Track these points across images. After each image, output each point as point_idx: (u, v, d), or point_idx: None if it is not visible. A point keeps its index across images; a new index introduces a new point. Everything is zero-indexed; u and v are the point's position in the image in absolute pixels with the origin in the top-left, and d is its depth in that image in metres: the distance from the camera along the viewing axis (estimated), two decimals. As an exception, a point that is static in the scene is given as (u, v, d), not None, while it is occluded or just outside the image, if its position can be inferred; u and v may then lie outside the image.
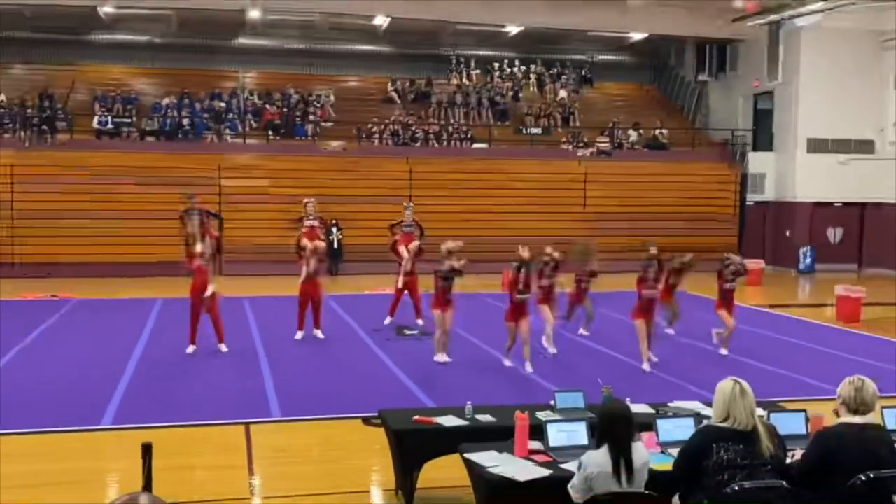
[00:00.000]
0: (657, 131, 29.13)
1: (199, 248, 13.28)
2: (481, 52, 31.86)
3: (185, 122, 26.66)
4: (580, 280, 14.47)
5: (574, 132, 29.02)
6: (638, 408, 6.88)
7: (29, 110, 25.88)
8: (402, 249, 15.79)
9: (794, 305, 18.79)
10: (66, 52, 29.27)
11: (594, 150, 27.89)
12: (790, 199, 27.44)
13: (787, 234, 27.39)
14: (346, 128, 27.54)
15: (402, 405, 8.68)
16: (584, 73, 32.65)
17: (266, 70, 30.60)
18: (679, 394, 9.44)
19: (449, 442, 6.53)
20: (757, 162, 28.37)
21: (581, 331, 14.72)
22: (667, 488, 5.05)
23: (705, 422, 5.38)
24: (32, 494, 7.24)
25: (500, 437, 6.26)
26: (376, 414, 7.79)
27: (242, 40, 30.27)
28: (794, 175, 27.23)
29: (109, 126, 26.05)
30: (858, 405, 4.94)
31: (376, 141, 27.35)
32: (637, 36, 30.86)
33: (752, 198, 28.23)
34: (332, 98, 29.05)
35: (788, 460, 5.14)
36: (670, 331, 14.57)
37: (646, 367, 12.12)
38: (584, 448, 5.49)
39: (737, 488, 4.62)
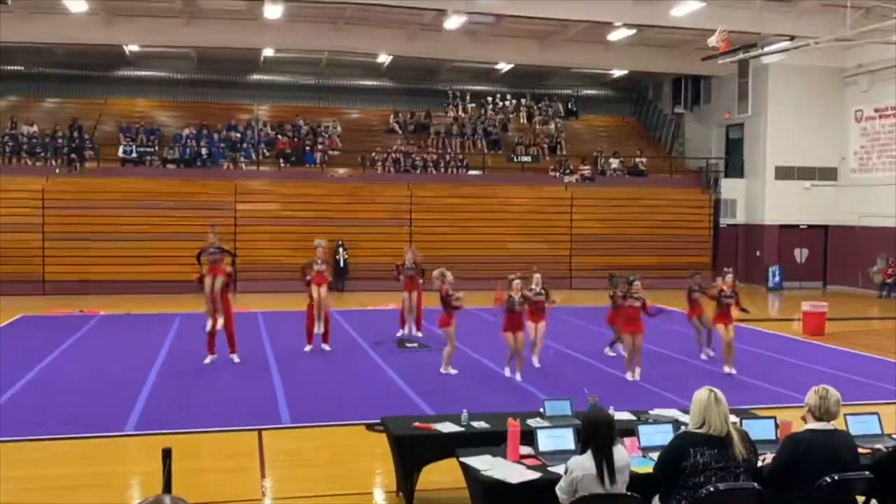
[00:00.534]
0: (637, 159, 29.20)
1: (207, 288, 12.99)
2: (475, 87, 32.00)
3: (204, 151, 26.68)
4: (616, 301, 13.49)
5: (561, 160, 29.08)
6: (621, 415, 6.88)
7: (59, 140, 25.92)
8: (404, 296, 15.55)
9: (765, 320, 18.79)
10: (94, 87, 29.39)
11: (579, 177, 27.95)
12: (760, 222, 27.49)
13: (758, 254, 27.42)
14: (352, 156, 27.59)
15: (402, 413, 8.66)
16: (569, 105, 32.77)
17: (278, 103, 30.70)
18: (659, 402, 9.45)
19: (446, 447, 6.52)
20: (729, 188, 28.44)
21: (607, 350, 14.09)
22: (647, 490, 5.05)
23: (683, 428, 5.38)
24: (63, 496, 7.22)
25: (493, 442, 6.25)
26: (379, 421, 7.77)
27: (257, 76, 30.42)
28: (764, 200, 27.29)
29: (133, 155, 26.08)
30: (823, 413, 4.95)
31: (379, 168, 27.39)
32: (618, 72, 31.06)
33: (724, 221, 28.28)
34: (338, 129, 29.10)
35: (760, 463, 5.14)
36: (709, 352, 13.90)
37: (629, 376, 12.11)
38: (571, 452, 5.49)
39: (712, 489, 4.62)
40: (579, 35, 25.89)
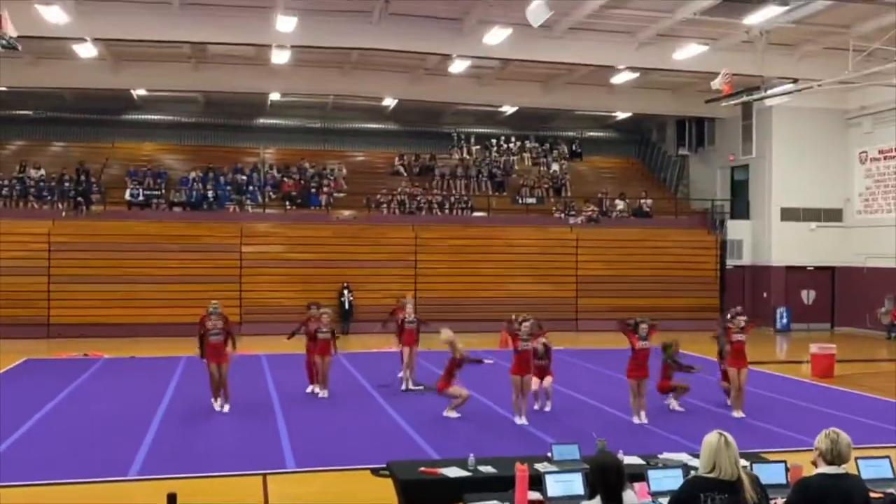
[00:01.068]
0: (642, 201, 29.30)
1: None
2: (480, 130, 32.26)
3: (210, 194, 26.86)
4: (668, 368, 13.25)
5: (565, 202, 29.21)
6: (630, 459, 6.84)
7: (66, 183, 26.12)
8: (404, 351, 14.87)
9: (773, 362, 18.68)
10: (101, 130, 29.74)
11: (584, 218, 28.03)
12: (766, 263, 27.48)
13: (765, 295, 27.36)
14: (357, 198, 27.74)
15: (408, 457, 8.60)
16: (573, 147, 32.99)
17: (284, 146, 30.96)
18: (668, 446, 9.37)
19: (453, 492, 6.47)
20: (735, 229, 28.48)
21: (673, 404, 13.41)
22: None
23: (693, 472, 5.34)
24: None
25: (501, 487, 6.20)
26: (385, 465, 7.72)
27: (263, 119, 30.75)
28: (770, 241, 27.32)
29: (140, 198, 26.25)
30: (834, 457, 4.91)
31: (384, 210, 27.51)
32: (622, 114, 31.31)
33: (731, 262, 28.28)
34: (343, 171, 29.30)
35: (771, 509, 5.09)
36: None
37: (636, 419, 12.03)
38: (579, 498, 5.45)
39: (723, 535, 4.57)
40: (583, 78, 26.17)
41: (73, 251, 23.62)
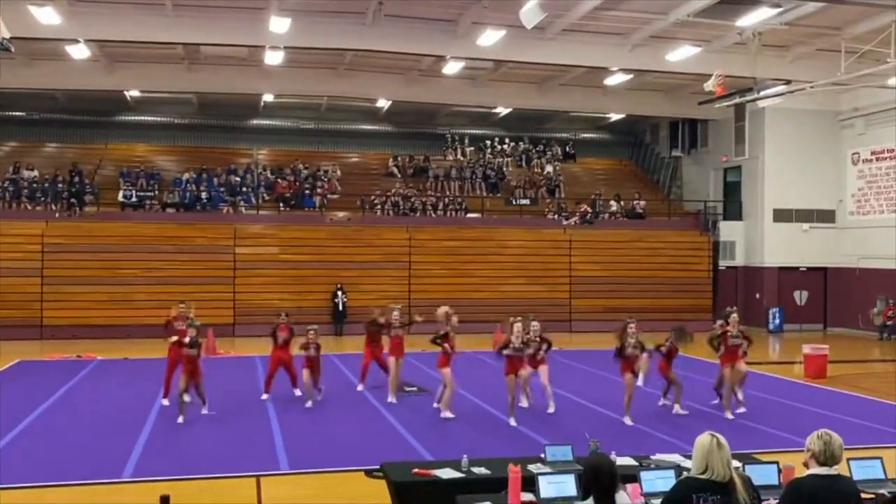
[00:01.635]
0: (635, 202, 29.35)
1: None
2: (474, 131, 32.27)
3: (204, 195, 26.81)
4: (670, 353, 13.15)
5: (559, 203, 29.24)
6: (622, 460, 6.84)
7: (59, 185, 26.05)
8: (390, 361, 13.83)
9: (765, 363, 18.72)
10: (94, 131, 29.68)
11: (578, 218, 28.06)
12: (759, 264, 27.54)
13: (757, 296, 27.43)
14: (351, 199, 27.72)
15: (401, 458, 8.60)
16: (567, 149, 33.03)
17: (278, 148, 30.93)
18: (661, 447, 9.38)
19: (446, 493, 6.46)
20: (727, 230, 28.54)
21: (662, 400, 13.52)
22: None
23: (685, 473, 5.34)
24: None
25: (494, 488, 6.20)
26: (378, 467, 7.72)
27: (257, 121, 30.72)
28: (762, 242, 27.38)
29: (133, 199, 26.19)
30: (827, 458, 4.91)
31: (378, 211, 27.50)
32: (616, 116, 31.38)
33: (723, 263, 28.35)
34: (338, 172, 29.27)
35: (763, 510, 5.10)
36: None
37: (627, 420, 12.05)
38: (572, 499, 5.45)
39: (716, 536, 4.57)
40: (577, 80, 26.19)
41: (67, 252, 23.55)
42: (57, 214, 24.87)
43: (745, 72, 20.87)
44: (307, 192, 27.78)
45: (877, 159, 25.91)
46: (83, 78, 24.33)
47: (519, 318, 12.31)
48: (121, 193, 26.22)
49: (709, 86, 19.71)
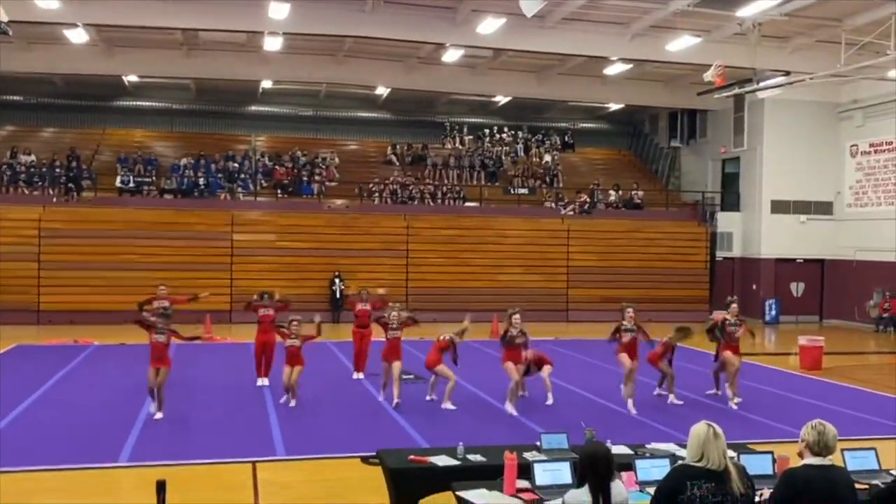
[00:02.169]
0: (633, 192, 29.33)
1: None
2: (473, 120, 32.23)
3: (201, 181, 26.76)
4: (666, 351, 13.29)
5: (557, 193, 29.22)
6: (618, 449, 6.86)
7: (57, 169, 25.98)
8: (384, 366, 12.78)
9: (761, 354, 18.76)
10: (92, 116, 29.60)
11: (576, 207, 28.05)
12: (756, 255, 27.56)
13: (754, 287, 27.46)
14: (349, 187, 27.69)
15: (397, 445, 8.61)
16: (566, 138, 32.99)
17: (276, 134, 30.86)
18: (656, 436, 9.41)
19: (442, 480, 6.48)
20: (725, 221, 28.55)
21: (658, 390, 13.54)
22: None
23: (680, 461, 5.36)
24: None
25: (490, 475, 6.21)
26: (374, 454, 7.74)
27: (255, 107, 30.66)
28: (760, 233, 27.39)
29: (131, 185, 26.14)
30: (821, 448, 4.93)
31: (376, 199, 27.47)
32: (615, 106, 31.34)
33: (721, 254, 28.37)
34: (336, 160, 29.23)
35: (757, 499, 5.12)
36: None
37: (630, 407, 12.10)
38: (568, 487, 5.46)
39: (710, 524, 4.59)
40: (576, 69, 26.14)
41: (64, 237, 23.52)
42: (54, 199, 24.82)
43: (744, 62, 20.85)
44: (305, 179, 27.74)
45: (875, 151, 25.90)
46: (81, 62, 24.24)
47: (517, 309, 12.33)
48: (118, 179, 26.16)
49: (708, 76, 19.68)
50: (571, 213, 27.92)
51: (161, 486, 5.21)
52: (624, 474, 5.55)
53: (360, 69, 25.76)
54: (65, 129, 29.14)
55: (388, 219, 26.16)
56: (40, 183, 25.56)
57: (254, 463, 9.17)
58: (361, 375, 14.81)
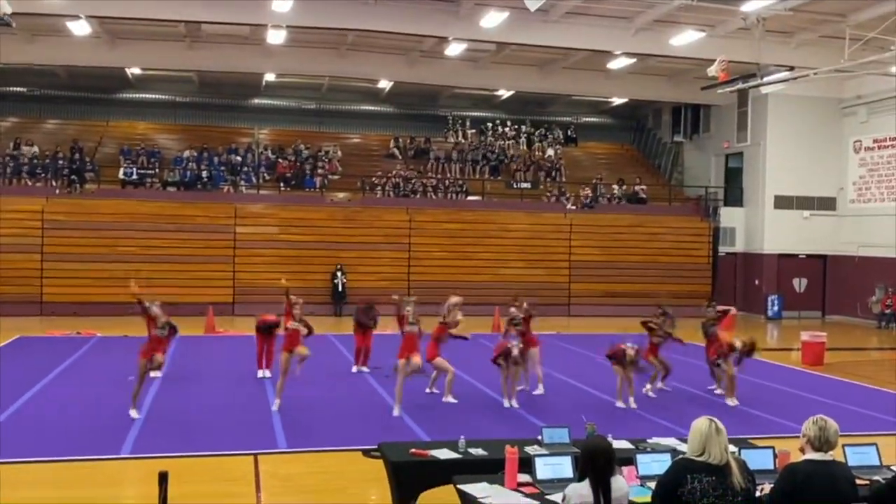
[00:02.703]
0: (636, 187, 29.31)
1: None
2: (476, 114, 32.17)
3: (204, 174, 26.76)
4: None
5: (560, 187, 29.19)
6: (619, 443, 6.86)
7: (60, 161, 25.99)
8: (399, 363, 12.10)
9: (763, 349, 18.73)
10: (95, 108, 29.58)
11: (578, 204, 28.03)
12: (758, 251, 27.54)
13: (757, 283, 27.45)
14: (352, 180, 27.68)
15: (399, 438, 8.63)
16: (569, 133, 32.94)
17: (279, 127, 30.85)
18: (657, 431, 9.42)
19: (443, 474, 6.48)
20: (728, 216, 28.52)
21: (660, 384, 13.37)
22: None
23: (681, 455, 5.36)
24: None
25: (491, 469, 6.22)
26: (376, 446, 7.74)
27: (258, 100, 30.62)
28: (763, 229, 27.36)
29: (134, 177, 26.14)
30: (822, 443, 4.94)
31: (379, 193, 27.47)
32: (618, 100, 31.26)
33: (723, 249, 28.35)
34: (338, 153, 29.22)
35: (758, 493, 5.12)
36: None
37: (619, 404, 12.08)
38: (569, 481, 5.46)
39: (711, 518, 4.60)
40: (579, 63, 26.10)
41: (67, 229, 23.54)
42: (57, 191, 24.84)
43: (748, 57, 20.76)
44: (308, 172, 27.74)
45: (878, 147, 25.85)
46: (84, 54, 24.24)
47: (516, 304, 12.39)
48: (121, 171, 26.17)
49: (712, 71, 19.63)
50: (574, 207, 27.90)
51: (163, 478, 5.22)
52: (625, 469, 5.55)
53: (363, 62, 25.73)
54: (68, 121, 29.14)
55: (390, 212, 26.16)
56: (43, 175, 25.58)
57: (255, 455, 9.18)
58: (366, 368, 14.80)
